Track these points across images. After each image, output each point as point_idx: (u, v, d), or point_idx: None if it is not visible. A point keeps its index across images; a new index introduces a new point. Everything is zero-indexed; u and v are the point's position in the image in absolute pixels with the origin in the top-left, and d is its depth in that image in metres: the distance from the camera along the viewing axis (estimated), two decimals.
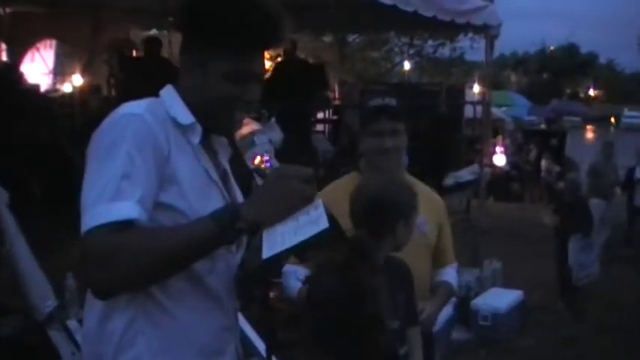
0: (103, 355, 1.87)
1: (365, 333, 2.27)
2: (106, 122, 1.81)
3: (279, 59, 10.37)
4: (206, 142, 1.95)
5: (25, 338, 4.28)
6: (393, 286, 2.49)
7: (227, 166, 2.09)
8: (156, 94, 1.94)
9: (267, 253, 1.70)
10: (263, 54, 1.94)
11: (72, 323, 4.13)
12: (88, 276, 1.67)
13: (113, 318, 1.84)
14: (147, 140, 1.75)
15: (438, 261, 3.18)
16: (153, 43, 8.94)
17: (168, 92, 1.94)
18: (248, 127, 1.88)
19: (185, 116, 1.89)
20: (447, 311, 6.86)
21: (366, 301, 2.26)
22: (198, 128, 1.90)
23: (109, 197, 1.66)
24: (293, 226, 1.71)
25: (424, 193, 3.14)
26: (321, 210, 1.73)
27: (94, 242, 1.64)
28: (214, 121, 1.92)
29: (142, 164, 1.72)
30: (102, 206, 1.66)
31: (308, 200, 1.72)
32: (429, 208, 3.08)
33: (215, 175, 1.96)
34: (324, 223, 1.68)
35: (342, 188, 3.01)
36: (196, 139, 1.90)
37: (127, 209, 1.67)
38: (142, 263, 1.65)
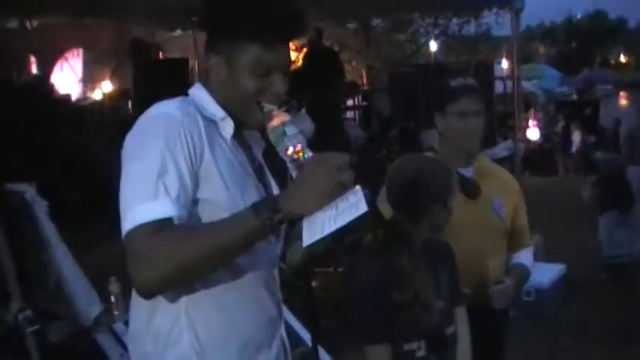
0: (150, 354, 1.90)
1: (407, 314, 2.31)
2: (139, 123, 1.83)
3: (304, 49, 10.36)
4: (239, 137, 1.96)
5: (73, 343, 4.34)
6: (435, 267, 2.51)
7: (262, 160, 2.10)
8: (175, 95, 1.95)
9: (307, 240, 1.70)
10: (288, 45, 1.94)
11: (118, 326, 4.19)
12: (131, 276, 1.68)
13: (159, 316, 1.87)
14: (180, 138, 1.76)
15: (513, 244, 3.14)
16: (140, 46, 9.07)
17: (198, 90, 1.96)
18: (278, 118, 1.87)
19: (216, 112, 1.91)
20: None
21: (404, 283, 2.31)
22: (230, 123, 1.91)
23: (147, 197, 1.68)
24: (332, 213, 1.70)
25: (500, 176, 3.16)
26: (360, 195, 1.72)
27: (136, 242, 1.66)
28: (244, 115, 1.93)
29: (176, 162, 1.73)
30: (140, 206, 1.68)
31: (345, 187, 1.71)
32: (505, 191, 3.08)
33: (250, 169, 1.98)
34: (363, 208, 1.67)
35: None
36: (229, 133, 1.91)
37: (166, 207, 1.69)
38: (183, 259, 1.66)
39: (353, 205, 1.69)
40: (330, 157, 1.73)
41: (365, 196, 1.72)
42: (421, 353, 2.43)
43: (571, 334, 5.93)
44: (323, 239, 1.70)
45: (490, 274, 2.93)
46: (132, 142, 1.80)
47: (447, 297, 2.51)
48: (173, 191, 1.71)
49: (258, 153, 2.09)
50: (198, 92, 1.95)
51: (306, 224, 1.73)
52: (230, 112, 1.92)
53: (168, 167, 1.72)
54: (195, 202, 1.79)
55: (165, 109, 1.83)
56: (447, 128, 3.00)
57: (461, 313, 2.58)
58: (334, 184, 1.69)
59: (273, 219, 1.68)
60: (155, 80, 8.76)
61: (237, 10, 1.85)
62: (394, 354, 2.40)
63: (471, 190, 2.94)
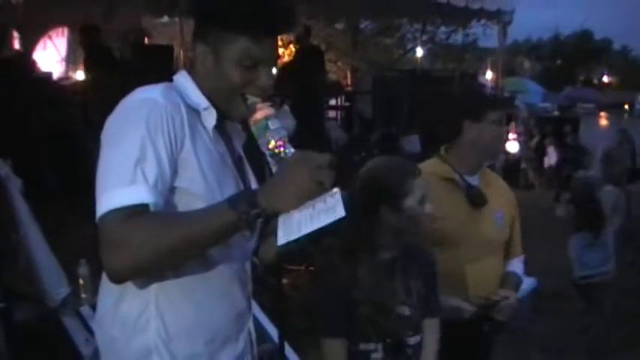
0: (116, 339, 1.90)
1: (364, 314, 2.41)
2: (121, 107, 1.82)
3: (291, 46, 10.35)
4: (221, 128, 1.96)
5: (39, 324, 4.31)
6: (408, 274, 2.51)
7: (241, 152, 2.10)
8: (158, 81, 1.94)
9: (282, 239, 1.69)
10: (276, 40, 1.94)
11: (85, 310, 4.16)
12: (103, 260, 1.67)
13: (127, 302, 1.87)
14: (161, 125, 1.75)
15: (507, 253, 3.17)
16: (89, 31, 9.08)
17: (183, 77, 1.95)
18: (262, 112, 1.87)
19: (199, 101, 1.90)
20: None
21: (363, 285, 2.33)
22: (213, 113, 1.91)
23: (124, 182, 1.67)
24: (309, 213, 1.70)
25: (501, 186, 3.20)
26: (338, 197, 1.71)
27: (109, 226, 1.64)
28: (228, 106, 1.92)
29: (156, 149, 1.72)
30: (116, 191, 1.66)
31: (324, 187, 1.70)
32: (506, 202, 3.11)
33: (230, 160, 1.97)
34: (340, 212, 1.67)
35: (428, 174, 3.04)
36: (211, 123, 1.91)
37: (142, 193, 1.67)
38: (157, 247, 1.64)
39: (331, 208, 1.68)
40: (311, 156, 1.72)
41: (342, 198, 1.72)
42: (377, 356, 2.47)
43: (539, 349, 5.96)
44: (298, 239, 1.69)
45: (490, 283, 2.95)
46: (113, 126, 1.79)
47: (416, 305, 2.50)
48: (151, 178, 1.69)
49: (239, 145, 2.09)
50: (183, 80, 1.94)
51: (281, 222, 1.72)
52: (213, 103, 1.91)
53: (148, 153, 1.71)
54: (172, 189, 1.78)
55: (149, 94, 1.82)
56: (480, 135, 2.99)
57: (432, 324, 2.56)
58: (313, 184, 1.68)
59: (250, 213, 1.67)
60: (140, 66, 8.73)
61: (227, 1, 1.84)
62: (350, 352, 2.47)
63: (477, 199, 2.98)
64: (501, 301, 2.88)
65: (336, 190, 1.75)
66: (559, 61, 49.24)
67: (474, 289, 2.88)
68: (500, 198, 3.08)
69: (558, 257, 8.20)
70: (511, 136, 17.46)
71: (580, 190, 7.90)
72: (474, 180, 3.02)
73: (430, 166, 3.06)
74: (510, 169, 15.24)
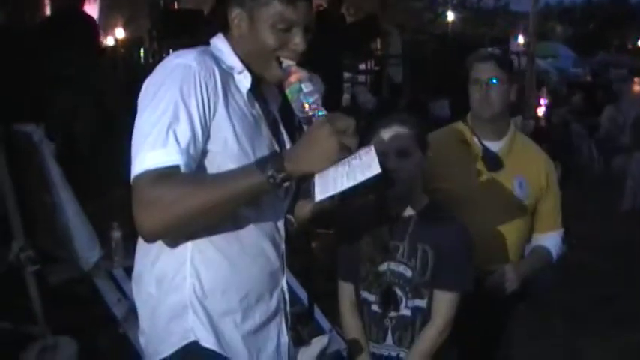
0: (153, 296, 1.94)
1: (363, 264, 2.60)
2: (157, 71, 1.86)
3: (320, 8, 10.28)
4: (256, 90, 1.99)
5: (73, 287, 4.39)
6: (420, 237, 2.51)
7: (277, 114, 2.13)
8: (195, 45, 1.96)
9: (318, 196, 1.73)
10: (310, 2, 1.95)
11: (118, 272, 4.22)
12: (135, 219, 1.72)
13: (164, 260, 1.91)
14: (194, 89, 1.79)
15: (538, 225, 3.11)
16: None
17: (219, 40, 1.99)
18: (295, 74, 1.89)
19: (234, 64, 1.94)
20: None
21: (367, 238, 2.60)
22: (248, 76, 1.94)
23: (158, 144, 1.72)
24: (345, 171, 1.72)
25: (532, 155, 3.10)
26: (374, 155, 1.73)
27: (142, 188, 1.70)
28: (262, 69, 1.96)
29: (188, 113, 1.77)
30: (150, 153, 1.72)
31: (348, 150, 1.73)
32: (533, 170, 3.02)
33: (264, 123, 2.00)
34: (376, 169, 1.69)
35: (445, 136, 3.02)
36: (245, 87, 1.94)
37: (174, 156, 1.72)
38: (186, 207, 1.70)
39: (366, 165, 1.71)
40: (336, 120, 1.74)
41: (377, 156, 1.73)
42: (375, 308, 2.55)
43: (562, 316, 5.94)
44: (334, 196, 1.72)
45: (503, 250, 2.91)
46: (148, 90, 1.84)
47: (419, 269, 2.49)
48: (183, 141, 1.74)
49: (274, 107, 2.13)
50: (219, 43, 1.98)
51: (317, 180, 1.75)
52: (248, 66, 1.94)
53: (181, 117, 1.75)
54: (205, 152, 1.82)
55: (183, 59, 1.85)
56: (470, 98, 2.99)
57: (442, 297, 2.50)
58: (338, 147, 1.71)
59: (276, 176, 1.71)
60: (169, 31, 8.74)
61: None
62: (358, 298, 2.62)
63: (491, 162, 2.93)
64: (495, 271, 2.85)
65: (370, 147, 1.77)
66: (591, 26, 48.33)
67: (484, 253, 2.74)
68: (528, 165, 3.00)
69: (584, 226, 8.15)
70: (542, 101, 17.27)
71: None
72: (495, 145, 2.98)
73: (449, 129, 3.07)
74: (541, 134, 15.09)
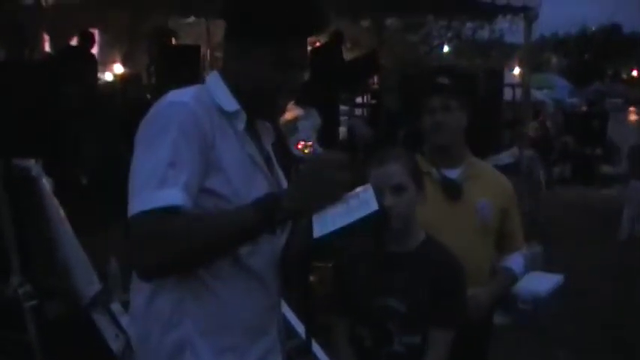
0: (150, 334, 1.93)
1: (357, 299, 2.56)
2: (154, 110, 1.86)
3: (317, 44, 10.37)
4: (250, 128, 1.99)
5: (70, 321, 4.38)
6: (414, 274, 2.50)
7: (270, 151, 2.13)
8: (193, 81, 1.98)
9: (317, 233, 1.73)
10: (307, 41, 1.97)
11: (115, 306, 4.22)
12: (133, 260, 1.73)
13: (161, 298, 1.90)
14: (193, 129, 1.79)
15: (502, 247, 3.14)
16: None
17: (214, 79, 1.98)
18: (291, 113, 1.91)
19: (230, 103, 1.93)
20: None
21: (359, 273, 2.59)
22: (243, 115, 1.93)
23: (156, 184, 1.72)
24: (343, 209, 1.74)
25: (490, 178, 3.13)
26: (371, 193, 1.76)
27: (140, 227, 1.70)
28: (259, 106, 1.96)
29: (187, 152, 1.76)
30: (149, 192, 1.71)
31: (344, 186, 1.74)
32: (494, 193, 3.05)
33: (259, 160, 2.00)
34: (373, 206, 1.71)
35: None
36: (241, 125, 1.93)
37: (173, 196, 1.72)
38: (186, 249, 1.71)
39: (364, 203, 1.73)
40: (327, 158, 1.77)
41: (376, 194, 1.76)
42: (368, 343, 2.53)
43: (564, 346, 5.93)
44: (333, 233, 1.72)
45: (473, 276, 2.86)
46: (146, 129, 1.83)
47: (414, 306, 2.47)
48: (182, 181, 1.74)
49: (268, 143, 2.12)
50: (214, 81, 1.97)
51: (316, 218, 1.76)
52: (244, 103, 1.94)
53: (179, 157, 1.75)
54: (202, 190, 1.82)
55: (181, 98, 1.86)
56: (423, 127, 3.04)
57: (438, 335, 2.48)
58: (332, 185, 1.73)
59: (274, 217, 1.73)
60: (167, 66, 8.80)
61: (260, 5, 1.87)
62: (351, 333, 2.59)
63: (451, 191, 2.97)
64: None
65: (368, 185, 1.79)
66: (587, 56, 48.62)
67: None
68: (487, 188, 3.02)
69: (585, 254, 8.17)
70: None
71: None
72: (453, 173, 3.01)
73: None
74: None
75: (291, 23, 1.87)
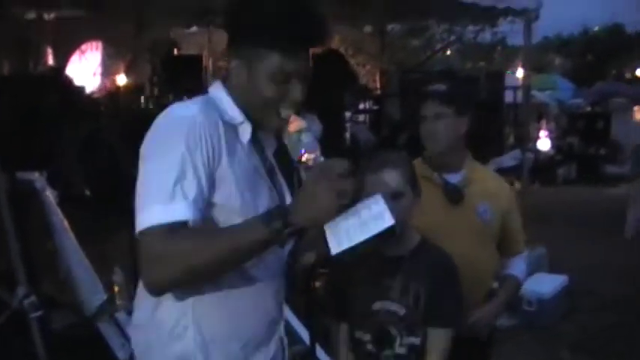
0: (153, 344, 1.95)
1: (357, 303, 2.59)
2: (160, 123, 1.87)
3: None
4: (254, 139, 2.00)
5: (75, 332, 4.40)
6: (412, 275, 2.53)
7: (273, 161, 2.14)
8: (195, 91, 1.99)
9: (335, 249, 1.74)
10: (308, 53, 1.96)
11: (121, 316, 4.24)
12: (142, 274, 1.75)
13: (165, 309, 1.92)
14: (200, 142, 1.80)
15: (505, 250, 3.17)
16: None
17: (218, 90, 1.99)
18: (294, 124, 1.92)
19: (235, 115, 1.94)
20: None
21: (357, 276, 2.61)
22: (248, 127, 1.95)
23: (164, 199, 1.73)
24: (357, 222, 1.75)
25: (490, 181, 3.15)
26: (382, 205, 1.77)
27: (149, 242, 1.71)
28: (261, 119, 1.96)
29: (195, 166, 1.77)
30: (157, 207, 1.72)
31: (346, 195, 1.74)
32: (494, 196, 3.07)
33: (263, 171, 2.01)
34: (389, 220, 1.72)
35: None
36: (246, 137, 1.95)
37: (181, 211, 1.73)
38: (193, 264, 1.71)
39: (378, 216, 1.74)
40: (328, 168, 1.77)
41: (387, 205, 1.78)
42: (370, 347, 2.54)
43: (569, 347, 5.93)
44: (351, 248, 1.74)
45: (474, 277, 2.90)
46: (153, 142, 1.84)
47: (412, 307, 2.49)
48: (190, 195, 1.75)
49: (270, 153, 2.13)
50: (218, 93, 1.98)
51: (330, 232, 1.77)
52: (248, 115, 1.95)
53: (187, 171, 1.76)
54: (210, 204, 1.84)
55: (188, 111, 1.86)
56: (420, 135, 3.06)
57: (436, 335, 2.50)
58: (334, 194, 1.72)
59: (282, 231, 1.73)
60: (170, 76, 8.84)
61: (261, 17, 1.88)
62: (350, 337, 2.61)
63: (452, 195, 2.99)
64: (475, 321, 2.91)
65: (378, 196, 1.80)
66: (589, 57, 48.43)
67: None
68: (487, 192, 3.05)
69: (590, 254, 8.16)
70: (542, 133, 17.33)
71: None
72: (454, 177, 3.04)
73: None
74: (543, 167, 15.12)
75: (292, 35, 1.87)
